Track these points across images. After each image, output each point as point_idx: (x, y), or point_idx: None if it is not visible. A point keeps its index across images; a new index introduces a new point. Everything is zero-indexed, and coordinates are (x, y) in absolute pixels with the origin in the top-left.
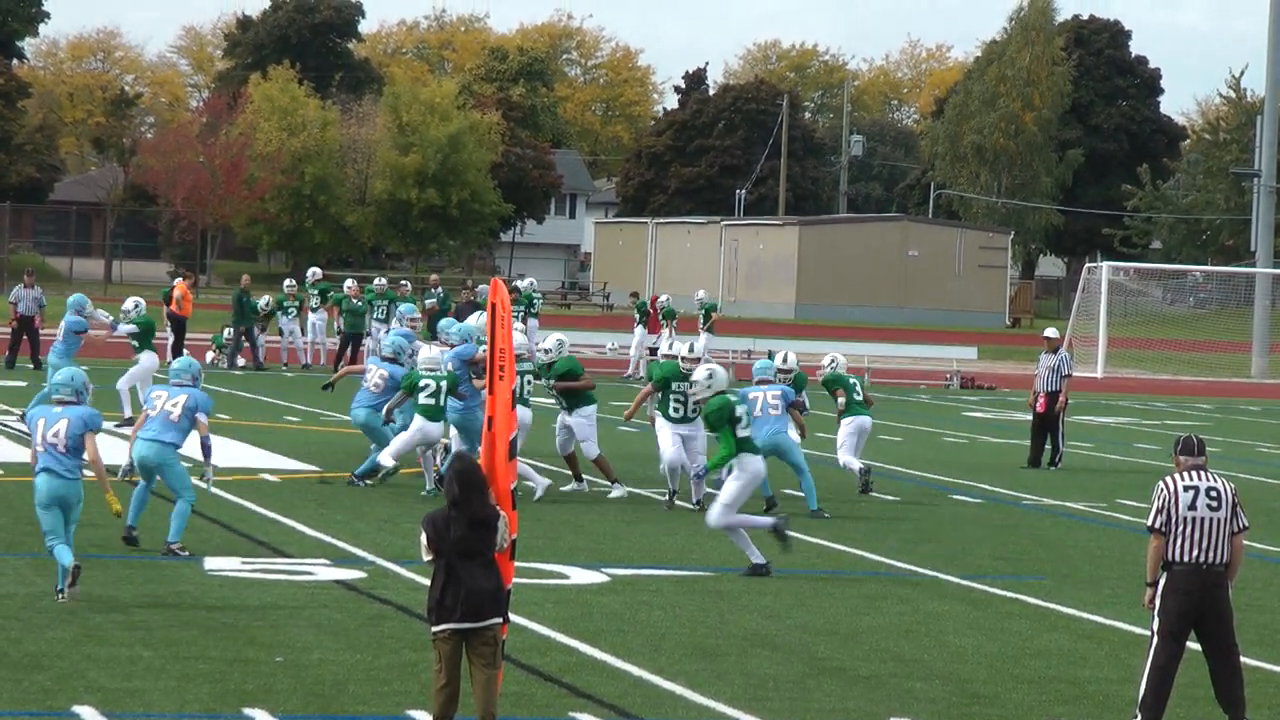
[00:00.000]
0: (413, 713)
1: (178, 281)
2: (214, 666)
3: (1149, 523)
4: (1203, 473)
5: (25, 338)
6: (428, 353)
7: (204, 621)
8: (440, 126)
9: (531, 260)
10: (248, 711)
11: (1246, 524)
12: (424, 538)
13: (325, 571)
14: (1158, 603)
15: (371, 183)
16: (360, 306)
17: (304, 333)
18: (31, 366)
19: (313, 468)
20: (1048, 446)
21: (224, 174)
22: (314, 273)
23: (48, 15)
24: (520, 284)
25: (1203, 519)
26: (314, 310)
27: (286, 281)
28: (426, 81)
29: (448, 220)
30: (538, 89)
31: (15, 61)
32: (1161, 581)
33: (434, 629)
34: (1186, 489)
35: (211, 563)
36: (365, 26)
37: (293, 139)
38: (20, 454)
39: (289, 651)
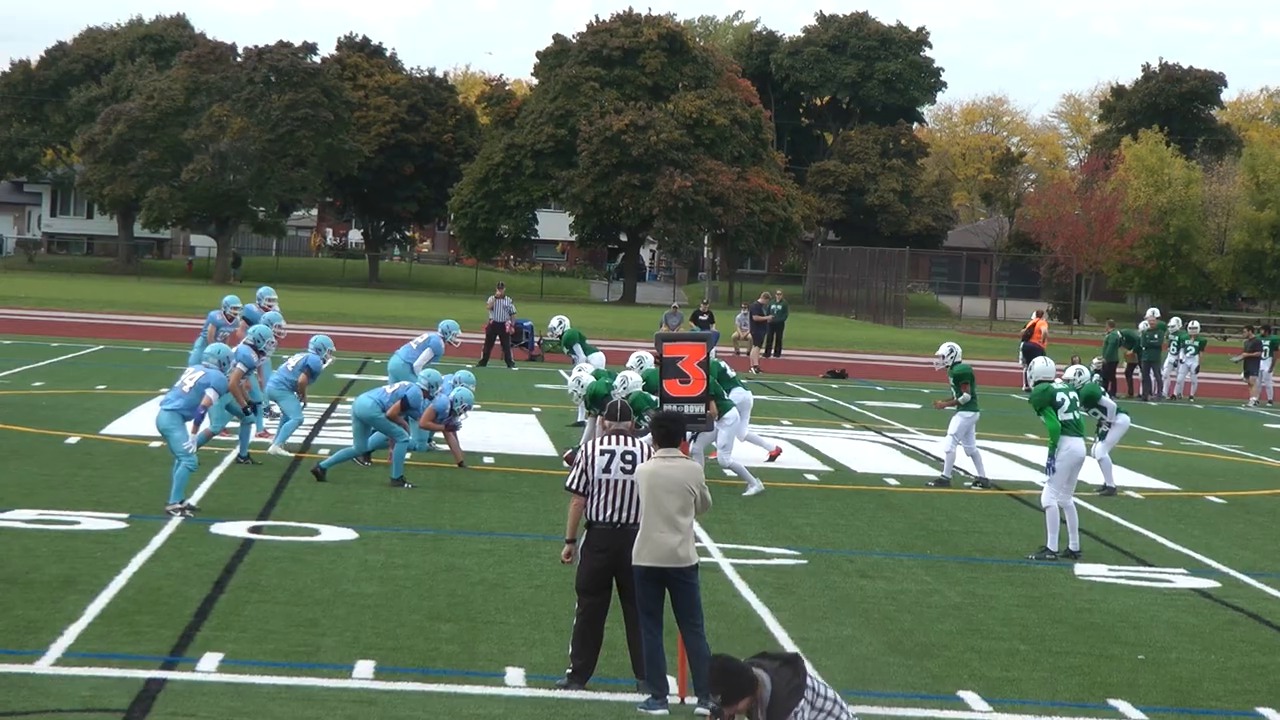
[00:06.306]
0: (1263, 710)
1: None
2: (1082, 660)
3: None
4: None
5: (497, 341)
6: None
7: (1074, 620)
8: None
9: None
10: (1112, 702)
11: None
12: None
13: (1183, 580)
14: None
15: (1229, 234)
16: (1138, 336)
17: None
18: (505, 366)
19: (1172, 487)
20: None
21: (1098, 225)
22: (1174, 324)
23: (945, 84)
24: None
25: None
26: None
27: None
28: None
29: None
30: None
31: (915, 125)
32: None
33: None
34: None
35: (1081, 568)
36: (1227, 95)
37: (1159, 194)
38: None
39: (1149, 650)
